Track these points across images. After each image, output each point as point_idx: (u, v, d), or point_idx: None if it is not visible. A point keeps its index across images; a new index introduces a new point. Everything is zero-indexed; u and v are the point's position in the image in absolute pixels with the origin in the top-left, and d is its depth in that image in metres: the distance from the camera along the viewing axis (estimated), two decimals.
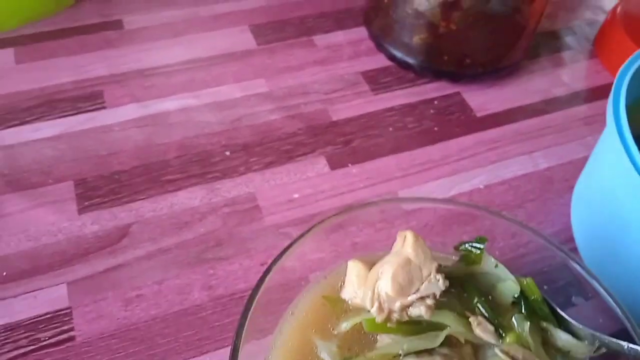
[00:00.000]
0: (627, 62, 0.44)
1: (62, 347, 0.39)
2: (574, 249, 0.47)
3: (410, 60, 0.57)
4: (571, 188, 0.51)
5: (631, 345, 0.31)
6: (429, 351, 0.31)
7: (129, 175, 0.49)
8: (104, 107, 0.54)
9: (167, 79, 0.57)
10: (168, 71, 0.58)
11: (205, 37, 0.61)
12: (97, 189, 0.48)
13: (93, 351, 0.39)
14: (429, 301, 0.32)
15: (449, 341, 0.31)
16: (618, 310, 0.33)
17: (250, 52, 0.60)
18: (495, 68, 0.59)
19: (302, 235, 0.34)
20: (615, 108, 0.41)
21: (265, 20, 0.64)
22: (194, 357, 0.39)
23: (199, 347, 0.40)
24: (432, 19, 0.53)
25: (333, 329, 0.34)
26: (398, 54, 0.58)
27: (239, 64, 0.59)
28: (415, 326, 0.32)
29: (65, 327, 0.40)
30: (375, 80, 0.59)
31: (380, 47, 0.60)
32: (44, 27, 0.60)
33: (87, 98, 0.54)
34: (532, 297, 0.33)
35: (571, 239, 0.47)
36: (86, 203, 0.47)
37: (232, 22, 0.63)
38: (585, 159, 0.50)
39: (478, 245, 0.34)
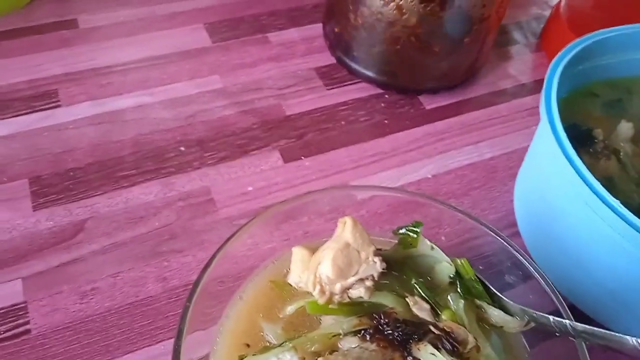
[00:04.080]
0: (558, 55, 0.46)
1: (17, 340, 0.40)
2: (517, 233, 0.49)
3: (369, 73, 0.59)
4: (514, 176, 0.53)
5: (556, 318, 0.33)
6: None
7: (84, 172, 0.49)
8: (58, 106, 0.54)
9: (123, 77, 0.57)
10: (123, 69, 0.58)
11: (160, 35, 0.62)
12: (52, 186, 0.48)
13: (48, 344, 0.40)
14: (368, 282, 0.33)
15: None
16: (549, 290, 0.35)
17: (205, 49, 0.61)
18: (450, 84, 0.60)
19: (247, 224, 0.36)
20: (547, 99, 0.44)
21: (219, 18, 0.65)
22: (148, 345, 0.40)
23: (154, 337, 0.41)
24: (392, 33, 0.54)
25: (279, 313, 0.35)
26: (357, 67, 0.59)
27: (194, 61, 0.60)
28: (356, 307, 0.34)
29: (20, 321, 0.41)
30: (328, 76, 0.60)
31: (339, 61, 0.61)
32: None
33: (42, 97, 0.55)
34: (467, 277, 0.35)
35: (514, 224, 0.50)
36: (41, 200, 0.47)
37: (187, 21, 0.64)
38: (528, 149, 0.52)
39: (414, 229, 0.36)
